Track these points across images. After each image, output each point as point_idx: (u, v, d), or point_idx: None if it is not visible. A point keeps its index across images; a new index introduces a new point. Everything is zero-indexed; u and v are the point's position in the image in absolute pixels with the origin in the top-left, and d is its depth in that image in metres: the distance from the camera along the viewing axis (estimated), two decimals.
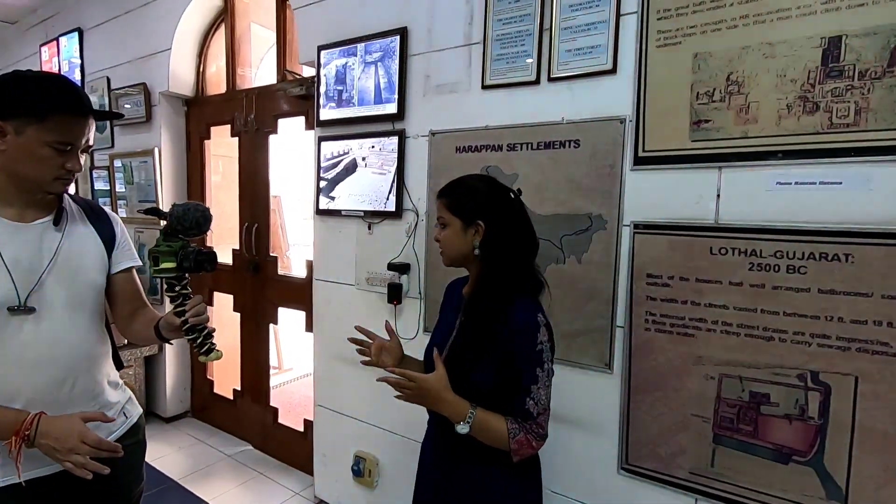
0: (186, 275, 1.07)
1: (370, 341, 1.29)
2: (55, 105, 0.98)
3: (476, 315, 1.10)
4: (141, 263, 1.26)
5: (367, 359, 1.27)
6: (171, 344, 1.14)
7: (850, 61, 1.19)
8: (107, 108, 3.26)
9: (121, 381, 1.25)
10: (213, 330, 1.10)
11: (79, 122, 1.02)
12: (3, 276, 0.99)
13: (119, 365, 1.25)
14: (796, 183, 1.26)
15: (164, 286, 1.06)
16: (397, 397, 1.08)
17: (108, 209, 1.26)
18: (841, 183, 1.22)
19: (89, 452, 0.95)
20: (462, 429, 1.04)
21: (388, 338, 1.29)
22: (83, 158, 1.07)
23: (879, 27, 1.15)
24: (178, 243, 1.05)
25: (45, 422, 0.96)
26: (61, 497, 1.07)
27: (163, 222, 1.07)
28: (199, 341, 1.07)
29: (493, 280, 1.10)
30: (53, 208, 1.09)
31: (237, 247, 2.94)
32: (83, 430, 0.96)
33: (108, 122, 3.33)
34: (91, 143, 1.08)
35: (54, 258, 1.06)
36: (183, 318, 1.06)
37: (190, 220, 1.03)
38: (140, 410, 1.29)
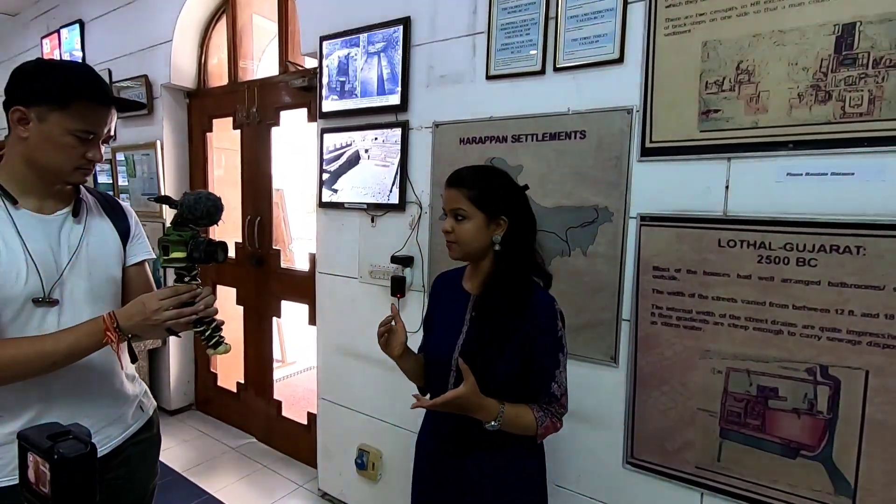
0: (196, 265, 1.05)
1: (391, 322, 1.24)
2: (79, 92, 0.97)
3: (495, 308, 1.10)
4: (154, 256, 1.25)
5: (382, 329, 1.22)
6: (180, 336, 1.13)
7: (864, 49, 1.16)
8: None
9: (136, 374, 1.25)
10: (222, 322, 1.08)
11: (101, 110, 1.01)
12: (30, 267, 0.98)
13: (133, 358, 1.24)
14: (807, 174, 1.24)
15: (174, 276, 1.04)
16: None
17: (122, 202, 1.25)
18: (853, 174, 1.19)
19: (173, 303, 0.98)
20: (493, 426, 1.04)
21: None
22: (103, 149, 1.06)
23: None
24: (188, 233, 1.02)
25: (119, 312, 0.99)
26: None
27: (173, 211, 1.05)
28: (207, 334, 1.05)
29: (511, 274, 1.11)
30: (71, 200, 1.09)
31: (240, 240, 2.93)
32: (152, 294, 1.00)
33: None
34: (112, 133, 1.07)
35: (77, 251, 1.05)
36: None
37: (201, 209, 1.00)
38: (154, 404, 1.29)
